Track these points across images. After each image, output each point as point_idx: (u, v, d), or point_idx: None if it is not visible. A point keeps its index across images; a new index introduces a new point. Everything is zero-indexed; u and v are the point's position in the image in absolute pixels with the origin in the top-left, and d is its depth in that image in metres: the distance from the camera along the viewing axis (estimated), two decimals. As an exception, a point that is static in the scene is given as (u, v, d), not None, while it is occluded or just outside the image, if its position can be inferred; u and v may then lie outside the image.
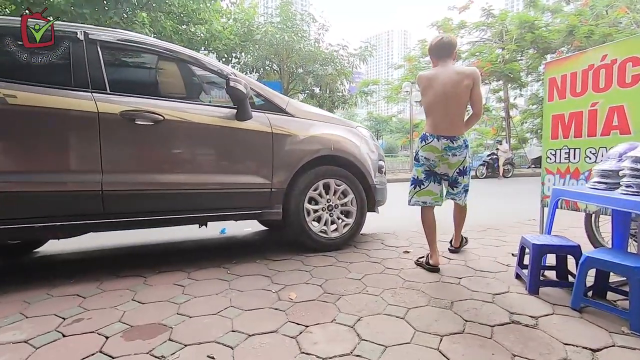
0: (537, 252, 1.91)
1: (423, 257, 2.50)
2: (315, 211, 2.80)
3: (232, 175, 2.54)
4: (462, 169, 2.39)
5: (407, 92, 16.09)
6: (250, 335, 1.49)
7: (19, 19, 2.14)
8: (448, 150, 2.33)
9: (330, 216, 2.86)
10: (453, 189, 2.49)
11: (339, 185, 2.86)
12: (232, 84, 2.41)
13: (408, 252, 2.76)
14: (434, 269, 2.32)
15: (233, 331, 1.53)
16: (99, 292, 2.01)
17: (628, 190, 1.69)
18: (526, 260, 2.08)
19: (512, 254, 2.59)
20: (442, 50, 2.41)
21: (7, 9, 9.01)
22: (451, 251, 2.80)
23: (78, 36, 2.25)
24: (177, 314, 1.72)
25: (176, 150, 2.41)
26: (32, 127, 2.05)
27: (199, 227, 2.62)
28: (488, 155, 13.66)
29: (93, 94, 2.19)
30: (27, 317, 1.71)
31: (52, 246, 3.19)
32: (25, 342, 1.47)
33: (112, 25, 8.84)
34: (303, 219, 2.72)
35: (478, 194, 8.16)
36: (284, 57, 13.67)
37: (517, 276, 2.15)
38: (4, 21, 2.19)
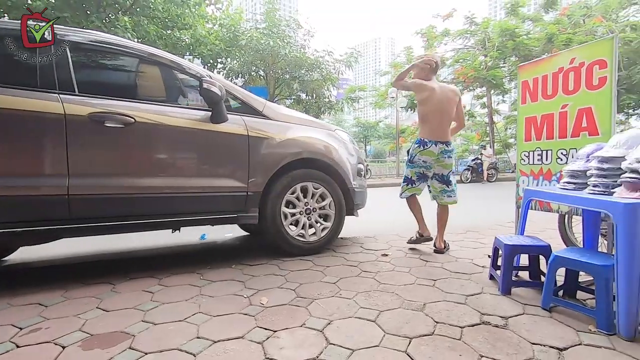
0: (509, 253, 1.92)
1: (413, 237, 2.95)
2: (293, 215, 2.77)
3: (207, 178, 2.49)
4: (452, 169, 2.88)
5: (393, 97, 16.26)
6: (215, 342, 1.44)
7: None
8: (444, 154, 2.80)
9: (309, 220, 2.83)
10: (448, 187, 2.90)
11: (317, 189, 2.84)
12: (205, 85, 2.38)
13: (386, 255, 2.74)
14: (427, 238, 2.86)
15: (198, 338, 1.48)
16: (63, 301, 1.93)
17: (595, 190, 1.72)
18: (500, 262, 2.09)
19: (488, 256, 2.60)
20: (438, 68, 2.99)
21: (-16, 12, 8.79)
22: (436, 252, 2.84)
23: (46, 36, 2.18)
24: (142, 321, 1.65)
25: (148, 153, 2.35)
26: (-4, 129, 1.97)
27: (172, 232, 2.56)
28: (472, 160, 13.87)
29: (60, 95, 2.12)
30: (-19, 328, 1.62)
31: (22, 254, 3.07)
32: (-26, 354, 1.39)
33: (94, 29, 8.71)
34: (280, 223, 2.68)
35: (461, 198, 8.25)
36: (270, 63, 13.66)
37: (491, 277, 2.15)
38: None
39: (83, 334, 1.53)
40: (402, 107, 16.76)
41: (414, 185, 2.90)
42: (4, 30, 2.14)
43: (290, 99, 15.46)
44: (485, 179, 13.15)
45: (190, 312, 1.73)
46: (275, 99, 14.81)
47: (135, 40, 9.32)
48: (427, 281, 2.15)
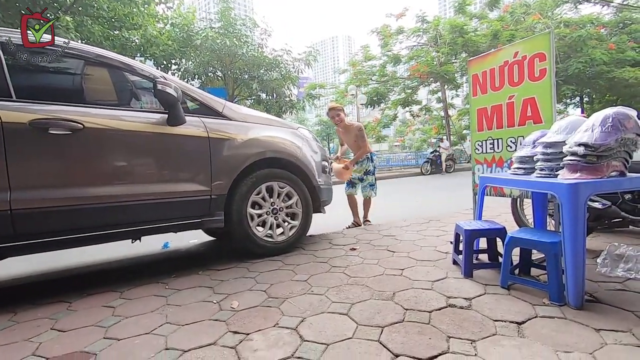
0: (469, 237, 2.02)
1: (351, 225, 3.91)
2: (260, 215, 2.73)
3: (166, 183, 2.39)
4: (365, 171, 3.97)
5: (352, 95, 16.51)
6: (185, 351, 1.39)
7: None
8: (359, 165, 3.98)
9: (276, 220, 2.81)
10: (363, 184, 3.99)
11: (282, 188, 2.82)
12: (160, 87, 2.28)
13: (355, 249, 2.79)
14: (358, 224, 3.89)
15: (167, 349, 1.42)
16: (11, 325, 1.77)
17: (541, 174, 1.85)
18: (461, 247, 2.19)
19: (450, 242, 2.72)
20: (336, 111, 4.01)
21: None
22: (356, 226, 3.87)
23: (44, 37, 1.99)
24: (104, 338, 1.56)
25: (100, 160, 2.21)
26: None
27: (132, 242, 2.42)
28: (431, 153, 14.45)
29: (-6, 102, 1.94)
30: None
31: (-42, 279, 2.78)
32: None
33: (30, 30, 8.04)
34: (247, 225, 2.64)
35: (423, 189, 8.59)
36: (227, 63, 13.35)
37: (454, 262, 2.26)
38: None
39: (37, 359, 1.42)
40: (362, 104, 17.08)
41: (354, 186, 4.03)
42: None
43: (251, 99, 15.22)
44: (444, 170, 13.74)
45: (156, 324, 1.66)
46: (235, 100, 14.50)
47: (79, 41, 8.72)
48: (395, 271, 2.21)
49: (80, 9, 9.36)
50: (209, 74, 13.86)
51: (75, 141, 2.10)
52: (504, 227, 2.07)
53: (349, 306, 1.72)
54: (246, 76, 13.99)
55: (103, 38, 9.85)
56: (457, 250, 2.26)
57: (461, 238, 2.19)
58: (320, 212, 3.15)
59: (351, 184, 3.97)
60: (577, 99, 19.74)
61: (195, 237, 3.80)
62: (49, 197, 2.03)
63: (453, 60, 16.63)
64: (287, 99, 15.14)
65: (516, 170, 2.10)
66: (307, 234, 3.08)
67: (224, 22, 13.45)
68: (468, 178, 2.98)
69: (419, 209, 4.98)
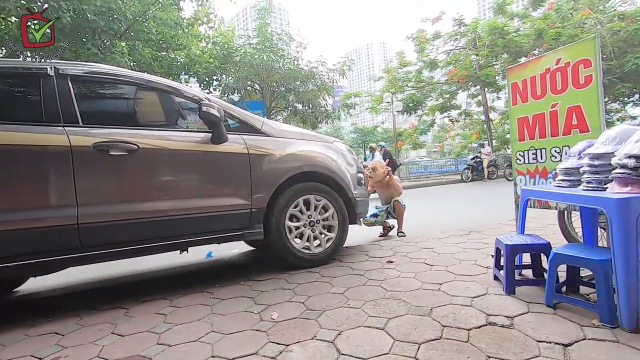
0: (510, 253, 1.96)
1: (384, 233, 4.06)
2: (297, 228, 2.82)
3: (211, 198, 2.55)
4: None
5: (388, 102, 16.40)
6: (230, 360, 1.49)
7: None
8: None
9: (313, 232, 2.88)
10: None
11: (319, 201, 2.89)
12: (204, 109, 2.45)
13: (391, 262, 2.78)
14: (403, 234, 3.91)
15: (213, 357, 1.52)
16: (78, 329, 1.97)
17: (588, 187, 1.77)
18: (503, 262, 2.13)
19: (491, 256, 2.63)
20: (374, 171, 4.02)
21: (-18, 47, 8.97)
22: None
23: (48, 72, 2.26)
24: (158, 343, 1.70)
25: (153, 178, 2.42)
26: (4, 165, 2.05)
27: (180, 253, 2.60)
28: (472, 159, 13.93)
29: (65, 127, 2.19)
30: (2, 361, 1.67)
31: (32, 284, 3.11)
32: (-2, 386, 1.44)
33: (91, 56, 8.87)
34: (285, 237, 2.73)
35: (463, 198, 8.30)
36: (265, 77, 13.83)
37: (495, 277, 2.19)
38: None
39: (101, 360, 1.58)
40: (398, 111, 16.90)
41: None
42: (7, 69, 2.24)
43: (287, 111, 15.61)
44: (486, 176, 13.19)
45: (203, 332, 1.77)
46: (272, 112, 14.96)
47: (132, 64, 9.47)
48: (432, 285, 2.18)
49: (132, 34, 10.19)
50: (248, 88, 14.42)
51: (131, 161, 2.32)
52: (548, 243, 1.99)
53: (386, 321, 1.74)
54: (283, 88, 14.39)
55: (152, 59, 10.62)
56: (498, 265, 2.20)
57: (502, 252, 2.12)
58: (357, 224, 3.18)
59: (374, 215, 3.98)
60: (637, 96, 18.16)
61: (235, 247, 3.96)
62: (109, 212, 2.24)
63: (493, 63, 16.02)
64: (323, 109, 15.36)
65: (561, 182, 2.01)
66: (344, 246, 3.12)
67: (262, 37, 13.99)
68: (511, 186, 2.88)
69: (458, 219, 4.83)
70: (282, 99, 14.83)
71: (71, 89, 2.29)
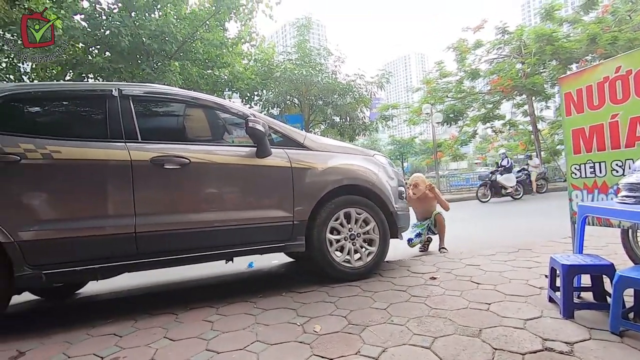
0: (567, 273, 1.83)
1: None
2: (338, 241, 2.83)
3: (256, 210, 2.64)
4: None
5: (427, 113, 16.09)
6: (275, 370, 1.51)
7: (64, 84, 2.42)
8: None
9: (353, 245, 2.87)
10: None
11: (359, 214, 2.89)
12: (250, 124, 2.56)
13: (435, 278, 2.70)
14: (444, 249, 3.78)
15: (259, 366, 1.56)
16: (134, 331, 2.10)
17: (657, 204, 1.63)
18: (558, 282, 1.99)
19: (545, 276, 2.47)
20: (416, 187, 3.98)
21: (53, 71, 10.04)
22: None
23: (113, 93, 2.49)
24: (206, 350, 1.77)
25: (202, 190, 2.55)
26: (73, 178, 2.27)
27: (225, 262, 2.70)
28: (518, 172, 13.17)
29: (126, 143, 2.39)
30: (69, 358, 1.81)
31: (91, 287, 3.37)
32: (67, 381, 1.56)
33: (145, 76, 9.60)
34: (326, 250, 2.75)
35: (509, 213, 7.86)
36: (304, 91, 14.16)
37: (550, 299, 2.05)
38: (50, 86, 2.50)
39: (156, 363, 1.67)
40: (437, 122, 16.50)
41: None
42: (78, 92, 2.50)
43: (325, 124, 15.81)
44: (534, 190, 12.40)
45: (249, 341, 1.82)
46: (310, 125, 15.21)
47: (181, 81, 10.10)
48: (481, 305, 2.09)
49: (181, 54, 10.92)
50: (287, 102, 14.84)
51: (183, 174, 2.47)
52: (611, 264, 1.83)
53: (432, 340, 1.68)
54: (321, 102, 14.65)
55: (198, 77, 11.30)
56: (553, 286, 2.06)
57: (558, 273, 1.99)
58: (398, 237, 3.13)
59: (419, 234, 3.91)
60: None
61: (275, 259, 4.04)
62: (163, 222, 2.40)
63: (541, 71, 15.25)
64: (360, 121, 15.39)
65: (625, 198, 1.86)
66: (385, 260, 3.08)
67: (301, 53, 14.40)
68: (563, 199, 2.70)
69: (505, 235, 4.59)
70: (320, 112, 15.07)
71: (132, 108, 2.50)
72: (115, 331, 2.12)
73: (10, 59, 9.76)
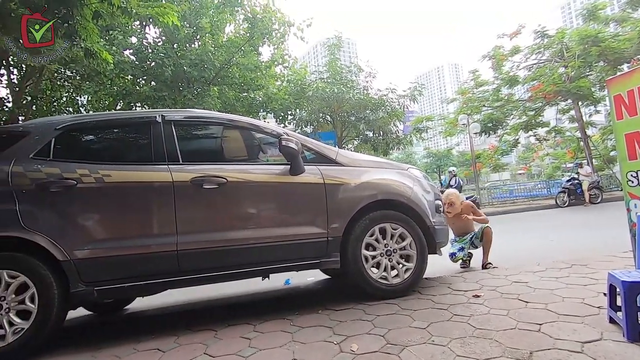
0: (629, 291, 1.67)
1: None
2: (374, 257, 2.77)
3: (290, 227, 2.67)
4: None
5: (464, 124, 15.61)
6: (312, 390, 1.49)
7: (114, 113, 2.64)
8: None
9: (390, 261, 2.80)
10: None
11: (395, 229, 2.82)
12: (284, 143, 2.62)
13: (478, 296, 2.55)
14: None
15: (296, 385, 1.54)
16: (176, 347, 2.17)
17: None
18: (619, 301, 1.81)
19: (604, 294, 2.26)
20: (450, 205, 3.88)
21: (106, 102, 10.96)
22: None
23: (157, 119, 2.67)
24: (244, 367, 1.78)
25: (239, 208, 2.64)
26: (122, 199, 2.43)
27: (262, 279, 2.74)
28: (568, 181, 12.29)
29: (169, 165, 2.53)
30: (117, 371, 1.90)
31: (138, 303, 3.53)
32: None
33: (186, 101, 10.20)
34: (361, 266, 2.70)
35: (559, 225, 7.32)
36: (336, 108, 14.30)
37: (611, 320, 1.86)
38: (102, 116, 2.74)
39: (196, 379, 1.70)
40: (475, 133, 15.93)
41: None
42: (127, 119, 2.71)
43: (358, 139, 15.80)
44: (587, 200, 11.48)
45: (286, 359, 1.81)
46: (343, 141, 15.27)
47: (219, 105, 10.63)
48: (530, 325, 1.94)
49: (219, 80, 11.51)
50: (320, 120, 15.03)
51: (220, 193, 2.56)
52: (682, 280, 1.65)
53: (477, 362, 1.59)
54: (353, 118, 14.68)
55: (235, 100, 11.82)
56: (613, 306, 1.87)
57: (618, 291, 1.81)
58: (437, 253, 3.02)
59: (461, 248, 3.82)
60: None
61: (311, 276, 4.02)
62: (202, 240, 2.49)
63: (587, 73, 14.36)
64: (394, 135, 15.23)
65: (692, 207, 1.68)
66: (423, 277, 2.97)
67: (332, 72, 14.64)
68: (621, 210, 2.48)
69: (555, 250, 4.27)
70: (353, 128, 15.09)
71: (174, 132, 2.66)
72: (159, 346, 2.20)
73: (70, 93, 10.82)
